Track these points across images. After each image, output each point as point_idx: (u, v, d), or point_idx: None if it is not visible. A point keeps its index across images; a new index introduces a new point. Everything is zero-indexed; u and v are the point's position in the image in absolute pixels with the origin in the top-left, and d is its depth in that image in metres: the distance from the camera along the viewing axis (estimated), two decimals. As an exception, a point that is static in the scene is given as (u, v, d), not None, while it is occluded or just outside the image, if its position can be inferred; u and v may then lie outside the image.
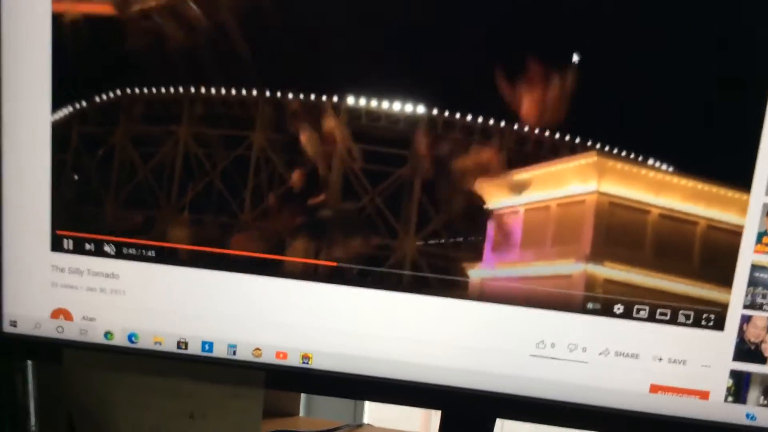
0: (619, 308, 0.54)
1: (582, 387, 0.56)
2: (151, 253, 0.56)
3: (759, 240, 0.52)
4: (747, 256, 0.53)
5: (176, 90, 0.52)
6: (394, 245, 0.55)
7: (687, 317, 0.54)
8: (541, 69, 0.50)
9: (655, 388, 0.56)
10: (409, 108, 0.52)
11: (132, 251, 0.56)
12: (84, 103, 0.53)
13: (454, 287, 0.55)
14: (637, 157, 0.52)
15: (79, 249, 0.56)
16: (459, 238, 0.55)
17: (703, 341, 0.54)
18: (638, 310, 0.54)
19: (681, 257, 0.53)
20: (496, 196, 0.54)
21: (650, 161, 0.52)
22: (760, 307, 0.53)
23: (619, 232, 0.53)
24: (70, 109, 0.53)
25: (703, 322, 0.54)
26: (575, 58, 0.50)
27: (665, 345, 0.54)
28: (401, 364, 0.57)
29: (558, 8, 0.49)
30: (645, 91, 0.51)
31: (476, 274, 0.55)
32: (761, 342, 0.54)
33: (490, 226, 0.54)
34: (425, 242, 0.55)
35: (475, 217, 0.54)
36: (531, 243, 0.54)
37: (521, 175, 0.53)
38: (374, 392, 0.58)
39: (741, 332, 0.54)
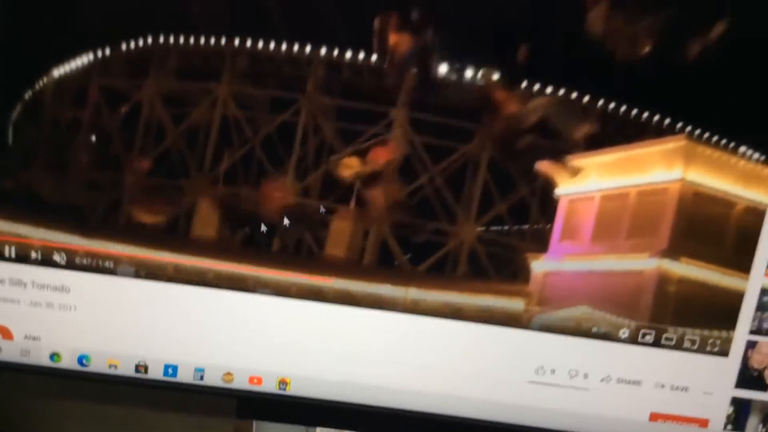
0: (624, 332, 0.51)
1: (580, 415, 0.53)
2: (110, 264, 0.49)
3: None
4: (757, 280, 0.50)
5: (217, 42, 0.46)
6: (453, 231, 0.49)
7: (693, 342, 0.51)
8: (632, 37, 0.45)
9: (654, 416, 0.53)
10: (480, 75, 0.46)
11: (87, 261, 0.49)
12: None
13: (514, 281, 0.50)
14: (728, 143, 0.47)
15: (23, 257, 0.48)
16: (524, 225, 0.49)
17: (707, 368, 0.52)
18: (644, 335, 0.51)
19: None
20: (570, 180, 0.48)
21: (742, 149, 0.47)
22: (766, 333, 0.51)
23: (700, 226, 0.49)
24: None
25: (709, 348, 0.51)
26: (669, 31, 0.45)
27: (668, 371, 0.52)
28: (391, 391, 0.52)
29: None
30: (743, 73, 0.46)
31: (540, 266, 0.50)
32: (765, 368, 0.52)
33: (560, 214, 0.49)
34: (487, 228, 0.49)
35: (545, 202, 0.48)
36: (604, 234, 0.49)
37: (601, 157, 0.48)
38: (362, 422, 0.53)
39: (745, 358, 0.52)
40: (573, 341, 0.51)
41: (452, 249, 0.49)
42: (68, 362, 0.51)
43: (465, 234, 0.49)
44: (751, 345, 0.51)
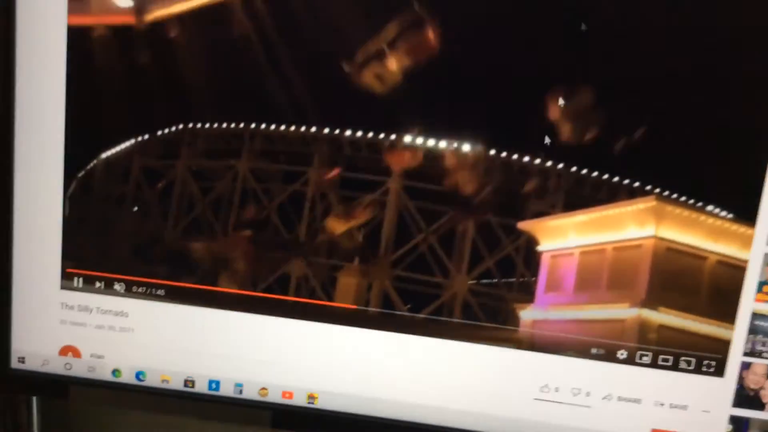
0: (622, 354, 0.54)
1: (585, 430, 0.56)
2: (161, 292, 0.56)
3: (759, 289, 0.52)
4: (748, 303, 0.52)
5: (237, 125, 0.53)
6: (446, 284, 0.55)
7: (688, 363, 0.54)
8: (600, 111, 0.50)
9: (655, 433, 0.56)
10: (462, 146, 0.52)
11: (141, 290, 0.56)
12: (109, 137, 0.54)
13: (505, 329, 0.55)
14: (696, 203, 0.51)
15: (88, 287, 0.57)
16: (511, 278, 0.54)
17: (704, 387, 0.54)
18: (641, 356, 0.54)
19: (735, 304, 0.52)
20: (550, 238, 0.53)
21: (709, 207, 0.51)
22: (759, 355, 0.53)
23: (675, 278, 0.53)
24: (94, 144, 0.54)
25: (704, 368, 0.54)
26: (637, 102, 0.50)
27: (667, 390, 0.54)
28: (408, 405, 0.57)
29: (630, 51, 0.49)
30: (706, 139, 0.50)
31: (528, 315, 0.54)
32: (760, 389, 0.54)
33: (543, 268, 0.54)
34: (477, 281, 0.54)
35: (529, 258, 0.54)
36: (585, 286, 0.54)
37: (577, 217, 0.53)
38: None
39: (741, 379, 0.54)
40: (574, 362, 0.55)
41: (447, 300, 0.55)
42: (127, 377, 0.59)
43: (458, 286, 0.55)
44: (745, 366, 0.54)
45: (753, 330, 0.53)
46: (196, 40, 0.52)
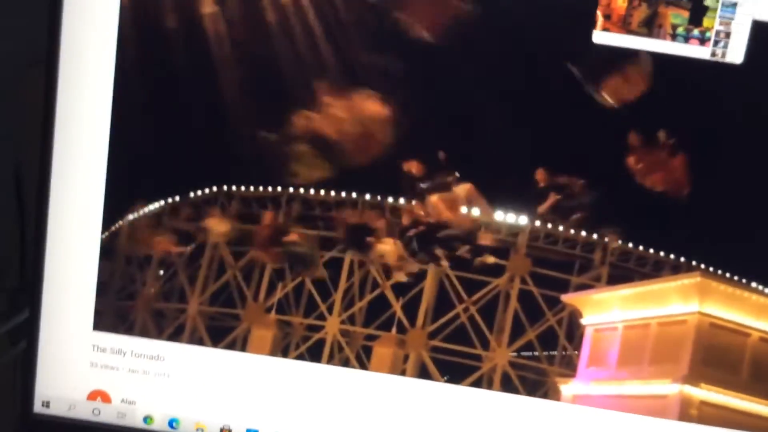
0: None
1: None
2: (199, 335, 0.53)
3: None
4: None
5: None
6: (486, 356, 0.53)
7: None
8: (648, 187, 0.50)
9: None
10: (511, 217, 0.51)
11: (178, 333, 0.54)
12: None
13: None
14: (740, 279, 0.51)
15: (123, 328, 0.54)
16: (553, 351, 0.53)
17: None
18: None
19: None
20: (594, 311, 0.52)
21: (753, 284, 0.51)
22: None
23: (718, 354, 0.52)
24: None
25: None
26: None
27: None
28: None
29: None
30: (752, 215, 0.50)
31: (569, 389, 0.53)
32: None
33: (586, 342, 0.53)
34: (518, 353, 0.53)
35: (572, 331, 0.52)
36: (628, 361, 0.53)
37: (622, 291, 0.52)
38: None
39: None
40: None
41: (486, 372, 0.53)
42: (159, 425, 0.55)
43: (498, 358, 0.53)
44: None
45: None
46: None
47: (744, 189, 0.50)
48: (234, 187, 0.52)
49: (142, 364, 0.54)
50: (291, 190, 0.51)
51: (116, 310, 0.53)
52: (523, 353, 0.53)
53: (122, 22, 0.49)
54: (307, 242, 0.52)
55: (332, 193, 0.51)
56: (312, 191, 0.51)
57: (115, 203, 0.52)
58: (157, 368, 0.54)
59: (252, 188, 0.51)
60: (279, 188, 0.51)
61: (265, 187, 0.51)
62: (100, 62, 0.49)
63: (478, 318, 0.53)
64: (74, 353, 0.54)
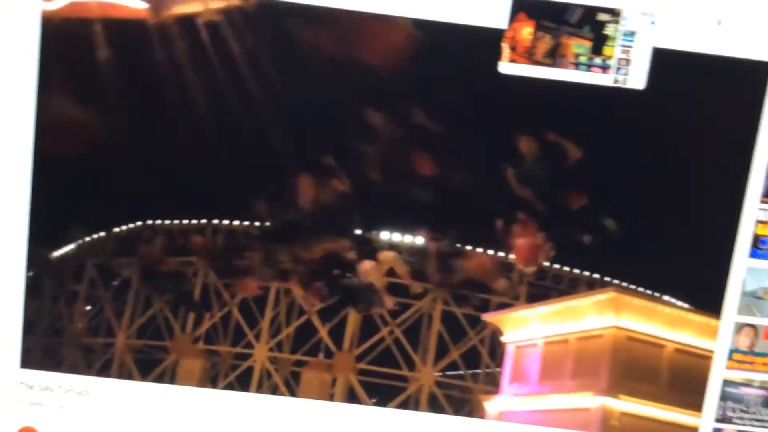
0: None
1: None
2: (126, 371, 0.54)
3: (730, 356, 0.53)
4: (719, 372, 0.53)
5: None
6: (412, 376, 0.54)
7: None
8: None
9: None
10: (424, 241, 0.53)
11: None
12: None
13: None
14: (653, 293, 0.53)
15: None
16: (477, 369, 0.54)
17: None
18: None
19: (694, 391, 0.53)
20: (514, 329, 0.54)
21: (666, 297, 0.53)
22: (730, 421, 0.54)
23: (635, 366, 0.54)
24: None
25: None
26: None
27: None
28: None
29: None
30: (662, 232, 0.52)
31: (494, 406, 0.54)
32: None
33: (509, 358, 0.54)
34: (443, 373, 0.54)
35: (494, 349, 0.54)
36: (550, 376, 0.54)
37: (540, 308, 0.54)
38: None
39: None
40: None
41: (413, 393, 0.54)
42: None
43: (424, 379, 0.54)
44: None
45: (724, 397, 0.53)
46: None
47: (655, 207, 0.52)
48: (159, 221, 0.52)
49: (70, 400, 0.54)
50: (215, 222, 0.52)
51: (43, 347, 0.54)
52: (448, 372, 0.55)
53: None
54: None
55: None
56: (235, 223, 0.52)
57: (40, 241, 0.52)
58: (86, 403, 0.54)
59: (176, 221, 0.52)
60: (203, 221, 0.52)
61: (190, 220, 0.52)
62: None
63: (403, 340, 0.54)
64: (2, 391, 0.54)
